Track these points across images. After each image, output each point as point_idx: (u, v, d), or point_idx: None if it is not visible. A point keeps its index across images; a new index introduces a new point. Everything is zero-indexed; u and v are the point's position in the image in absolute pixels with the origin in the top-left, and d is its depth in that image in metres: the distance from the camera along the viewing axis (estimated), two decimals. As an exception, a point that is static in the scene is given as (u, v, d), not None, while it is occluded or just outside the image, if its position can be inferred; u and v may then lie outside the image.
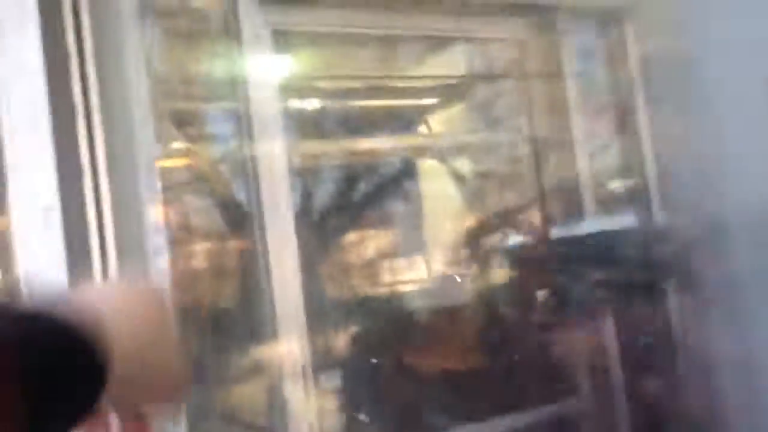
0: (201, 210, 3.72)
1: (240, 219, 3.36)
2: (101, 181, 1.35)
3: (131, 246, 1.54)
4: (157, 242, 1.65)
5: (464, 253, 3.88)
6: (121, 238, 1.48)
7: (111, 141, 1.10)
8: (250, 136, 2.22)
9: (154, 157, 1.66)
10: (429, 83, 3.57)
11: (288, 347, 2.06)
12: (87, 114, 1.10)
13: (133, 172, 1.53)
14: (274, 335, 2.07)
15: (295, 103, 3.34)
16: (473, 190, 3.79)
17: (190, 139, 3.64)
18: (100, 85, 1.10)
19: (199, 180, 3.91)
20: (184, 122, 3.64)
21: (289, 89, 3.13)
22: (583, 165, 2.88)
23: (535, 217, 3.18)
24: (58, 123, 1.06)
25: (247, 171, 2.32)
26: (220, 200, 3.94)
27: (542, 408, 2.59)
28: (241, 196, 3.56)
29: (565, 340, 2.83)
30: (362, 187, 4.29)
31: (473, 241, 3.82)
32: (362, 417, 2.61)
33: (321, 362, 2.45)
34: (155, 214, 1.72)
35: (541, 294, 3.23)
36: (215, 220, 3.82)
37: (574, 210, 2.86)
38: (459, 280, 4.06)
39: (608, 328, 2.62)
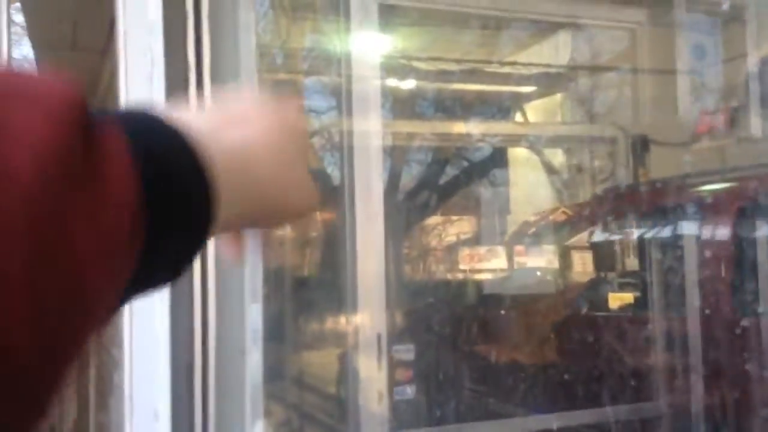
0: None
1: (329, 191, 3.43)
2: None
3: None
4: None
5: (547, 246, 3.81)
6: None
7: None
8: (348, 112, 2.24)
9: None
10: (529, 71, 3.51)
11: (365, 317, 2.10)
12: (198, 74, 1.15)
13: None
14: (353, 305, 2.11)
15: (394, 82, 3.36)
16: (564, 182, 3.71)
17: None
18: (212, 47, 1.15)
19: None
20: (284, 93, 3.74)
21: (390, 68, 3.15)
22: (684, 166, 2.76)
23: (625, 216, 3.08)
24: (171, 81, 1.11)
25: (342, 145, 2.35)
26: (311, 172, 4.05)
27: (612, 407, 2.52)
28: (331, 169, 3.63)
29: (646, 340, 2.74)
30: (451, 170, 4.28)
31: (558, 234, 3.74)
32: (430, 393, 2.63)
33: (395, 335, 2.48)
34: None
35: (624, 295, 3.14)
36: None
37: (670, 211, 2.76)
38: (539, 273, 3.99)
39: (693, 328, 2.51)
